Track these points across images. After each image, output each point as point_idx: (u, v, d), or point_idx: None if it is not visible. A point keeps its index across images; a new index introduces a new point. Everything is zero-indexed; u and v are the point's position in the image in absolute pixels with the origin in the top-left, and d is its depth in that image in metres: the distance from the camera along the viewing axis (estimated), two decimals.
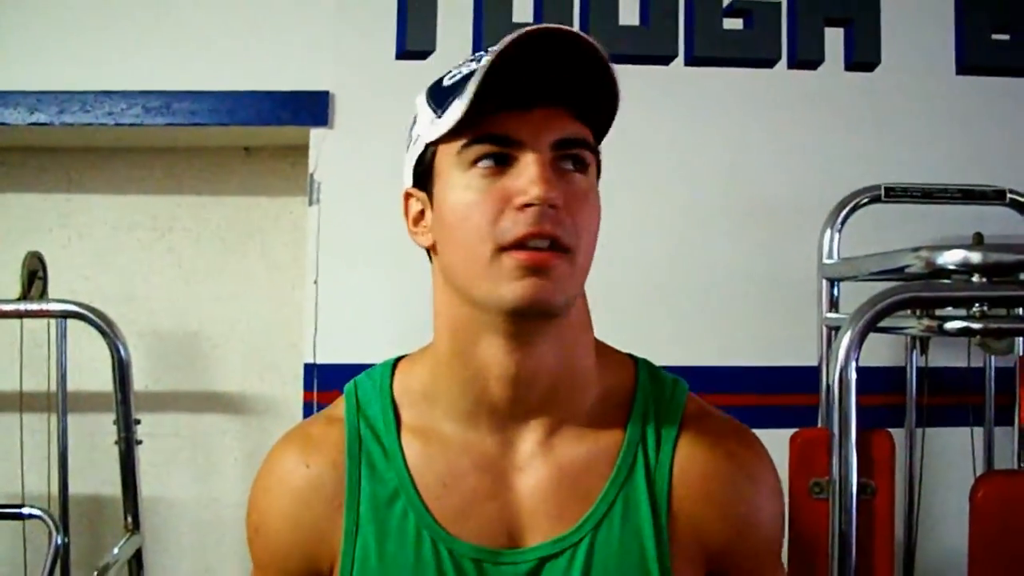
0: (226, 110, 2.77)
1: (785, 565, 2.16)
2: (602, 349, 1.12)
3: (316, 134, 2.71)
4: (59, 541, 2.27)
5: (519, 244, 0.97)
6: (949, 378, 2.68)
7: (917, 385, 2.61)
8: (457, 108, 0.98)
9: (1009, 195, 2.61)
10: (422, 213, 1.07)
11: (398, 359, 1.15)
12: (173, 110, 2.75)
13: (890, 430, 2.20)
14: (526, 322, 1.01)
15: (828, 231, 2.49)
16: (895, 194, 2.54)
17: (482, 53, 1.01)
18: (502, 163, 0.99)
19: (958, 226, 2.72)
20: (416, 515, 1.04)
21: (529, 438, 1.07)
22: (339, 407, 1.13)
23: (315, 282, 2.70)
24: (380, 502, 1.05)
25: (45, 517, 2.30)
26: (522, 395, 1.04)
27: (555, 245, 0.97)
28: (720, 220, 2.74)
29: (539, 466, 1.06)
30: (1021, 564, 2.14)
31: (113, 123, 2.75)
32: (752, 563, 1.10)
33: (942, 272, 1.95)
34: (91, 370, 2.84)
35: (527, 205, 0.97)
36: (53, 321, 2.72)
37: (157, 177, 3.13)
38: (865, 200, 2.47)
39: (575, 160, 1.01)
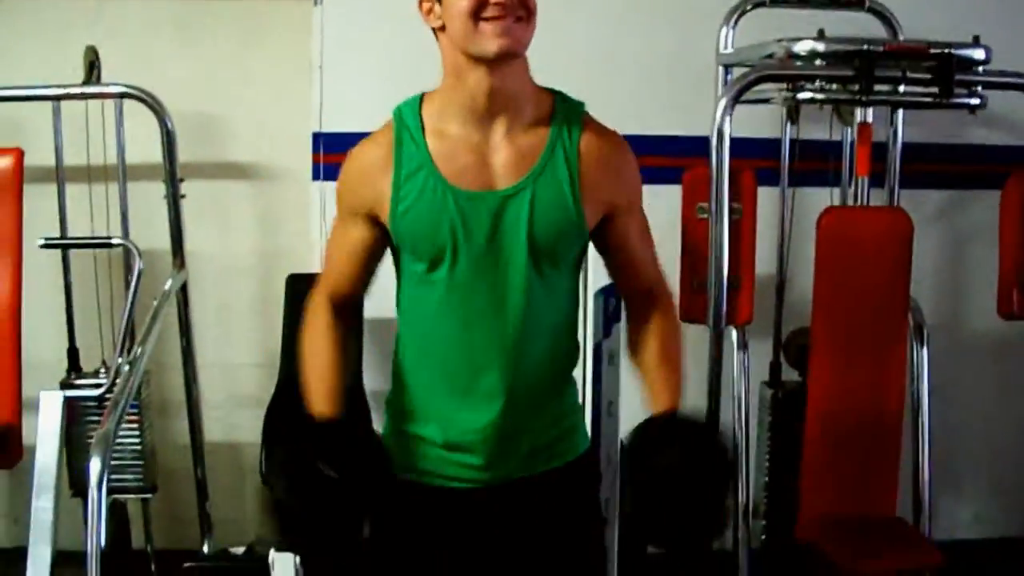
0: None
1: (677, 270, 2.96)
2: (535, 84, 1.86)
3: None
4: (140, 266, 2.96)
5: (496, 18, 1.71)
6: (816, 148, 3.43)
7: (790, 152, 3.35)
8: None
9: (868, 3, 3.32)
10: (430, 9, 1.78)
11: (423, 94, 1.88)
12: None
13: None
14: (499, 61, 1.75)
15: (724, 28, 3.19)
16: (778, 1, 3.25)
17: None
18: None
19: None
20: (433, 176, 1.80)
21: (498, 132, 1.81)
22: (389, 123, 1.87)
23: (320, 67, 3.39)
24: (412, 170, 1.80)
25: (131, 246, 2.99)
26: (495, 103, 1.79)
27: (513, 18, 1.72)
28: (636, 13, 3.49)
29: (503, 148, 1.81)
30: (851, 277, 2.94)
31: None
32: (625, 205, 1.88)
33: (797, 57, 2.69)
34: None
35: (499, 3, 1.71)
36: (107, 102, 3.37)
37: None
38: (751, 5, 3.16)
39: None
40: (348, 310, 1.99)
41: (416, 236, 1.81)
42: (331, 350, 1.91)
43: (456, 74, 1.79)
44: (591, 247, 1.94)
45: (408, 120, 1.83)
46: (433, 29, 1.81)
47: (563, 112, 1.85)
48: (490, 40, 1.71)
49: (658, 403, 1.87)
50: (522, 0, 1.72)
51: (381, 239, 1.88)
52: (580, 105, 1.88)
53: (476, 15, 1.70)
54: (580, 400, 2.07)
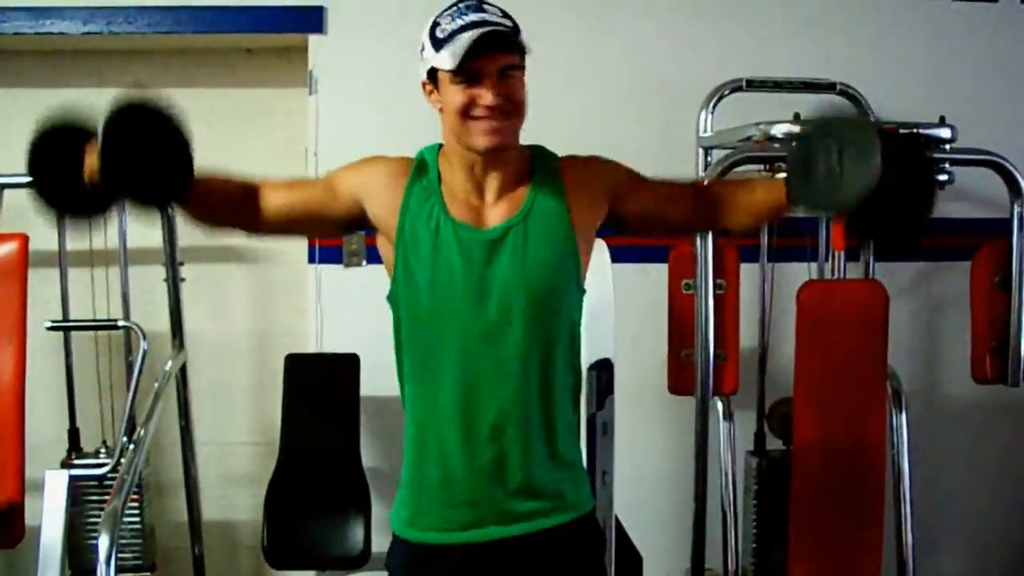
0: (238, 20, 3.55)
1: (665, 343, 3.06)
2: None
3: (314, 39, 3.51)
4: (144, 347, 3.05)
5: (484, 118, 1.88)
6: (794, 226, 3.55)
7: (769, 230, 3.48)
8: (449, 61, 1.85)
9: (839, 86, 3.48)
10: (432, 91, 1.95)
11: (440, 144, 2.04)
12: (198, 20, 3.51)
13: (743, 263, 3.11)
14: (487, 154, 1.93)
15: (703, 112, 3.34)
16: (754, 85, 3.39)
17: (460, 10, 1.89)
18: (474, 81, 1.87)
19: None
20: (439, 206, 1.96)
21: (491, 190, 1.98)
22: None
23: (315, 154, 3.52)
24: (422, 196, 1.97)
25: (135, 328, 3.08)
26: (489, 169, 1.97)
27: (500, 116, 1.89)
28: (621, 101, 3.66)
29: (495, 205, 1.97)
30: (831, 347, 3.05)
31: (151, 31, 3.51)
32: (628, 180, 2.05)
33: (774, 139, 2.83)
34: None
35: (487, 105, 1.88)
36: None
37: (173, 75, 3.87)
38: (729, 90, 3.31)
39: (511, 71, 1.90)
40: (259, 212, 2.05)
41: (417, 254, 1.95)
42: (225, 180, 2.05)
43: (455, 150, 1.97)
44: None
45: (428, 158, 2.02)
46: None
47: (540, 161, 2.03)
48: (478, 138, 1.90)
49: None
50: (508, 98, 1.89)
51: (320, 216, 2.01)
52: (552, 154, 2.06)
53: (466, 113, 1.88)
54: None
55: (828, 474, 3.06)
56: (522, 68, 1.92)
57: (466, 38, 1.83)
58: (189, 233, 3.65)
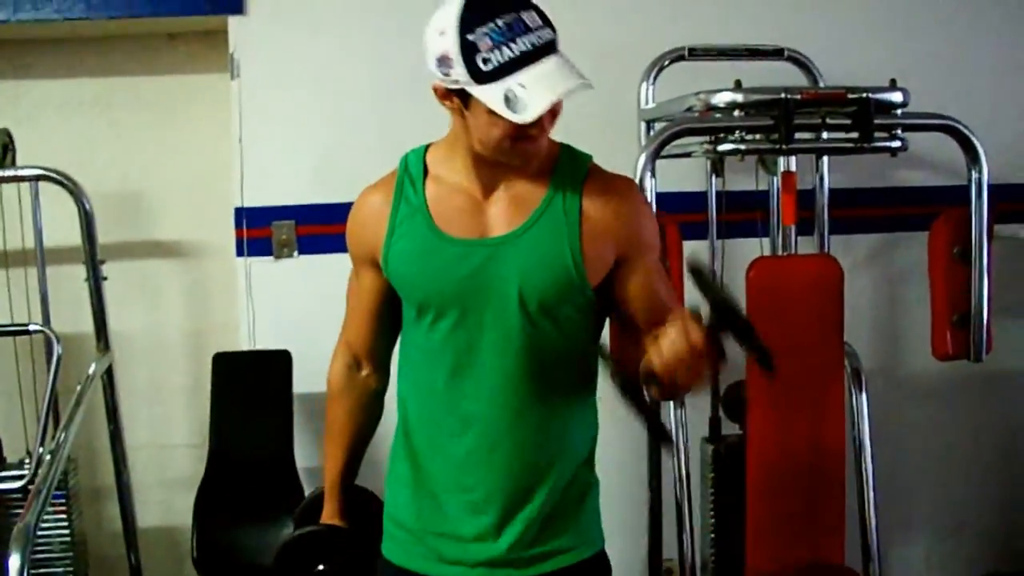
0: (153, 2, 3.36)
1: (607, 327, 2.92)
2: None
3: (233, 20, 3.33)
4: (59, 352, 2.88)
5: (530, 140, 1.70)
6: (744, 199, 3.42)
7: (717, 204, 3.34)
8: (503, 106, 1.60)
9: (787, 52, 3.34)
10: (447, 95, 1.69)
11: (429, 143, 1.87)
12: (111, 4, 3.33)
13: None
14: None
15: (644, 83, 3.19)
16: (697, 53, 3.25)
17: (501, 31, 1.60)
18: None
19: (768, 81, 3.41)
20: (425, 221, 1.79)
21: (497, 183, 1.79)
22: (395, 169, 1.86)
23: (240, 140, 3.35)
24: (407, 215, 1.80)
25: (48, 332, 2.91)
26: (498, 165, 1.77)
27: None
28: None
29: (500, 199, 1.79)
30: (784, 326, 2.92)
31: (62, 18, 3.32)
32: (641, 252, 1.83)
33: (716, 109, 2.68)
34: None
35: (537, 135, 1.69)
36: (25, 186, 3.29)
37: (94, 63, 3.70)
38: (670, 60, 3.16)
39: None
40: (370, 364, 1.99)
41: (405, 280, 1.82)
42: (344, 418, 2.02)
43: (464, 148, 1.78)
44: None
45: (412, 166, 1.84)
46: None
47: (567, 163, 1.82)
48: (519, 157, 1.74)
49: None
50: (554, 114, 1.69)
51: (387, 299, 1.89)
52: (586, 157, 1.86)
53: (509, 143, 1.69)
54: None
55: (785, 457, 2.93)
56: None
57: (539, 98, 1.59)
58: (116, 229, 3.53)
